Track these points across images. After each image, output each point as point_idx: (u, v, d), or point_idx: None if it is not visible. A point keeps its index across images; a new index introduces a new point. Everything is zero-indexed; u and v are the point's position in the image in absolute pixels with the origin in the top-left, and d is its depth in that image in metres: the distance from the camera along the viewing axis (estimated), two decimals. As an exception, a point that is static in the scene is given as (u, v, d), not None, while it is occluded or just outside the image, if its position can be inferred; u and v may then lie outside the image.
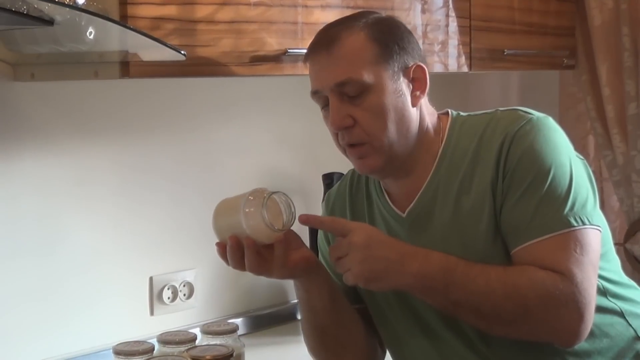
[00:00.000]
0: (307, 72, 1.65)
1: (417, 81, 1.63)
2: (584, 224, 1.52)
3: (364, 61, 1.58)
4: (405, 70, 1.61)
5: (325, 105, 1.62)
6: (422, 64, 1.64)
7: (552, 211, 1.52)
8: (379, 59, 1.59)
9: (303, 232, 2.28)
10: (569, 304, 1.48)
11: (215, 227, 1.60)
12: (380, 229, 1.61)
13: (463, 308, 1.52)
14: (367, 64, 1.58)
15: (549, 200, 1.52)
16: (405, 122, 1.61)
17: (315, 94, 1.62)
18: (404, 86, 1.61)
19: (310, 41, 1.66)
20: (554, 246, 1.51)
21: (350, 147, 1.61)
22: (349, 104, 1.58)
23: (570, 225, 1.51)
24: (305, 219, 1.57)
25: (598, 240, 1.55)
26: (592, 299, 1.51)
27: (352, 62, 1.58)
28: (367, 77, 1.57)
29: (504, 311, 1.50)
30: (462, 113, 1.70)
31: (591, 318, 1.51)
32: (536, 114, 1.60)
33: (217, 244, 1.59)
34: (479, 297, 1.50)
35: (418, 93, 1.63)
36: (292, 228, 1.57)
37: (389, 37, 1.61)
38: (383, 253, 1.51)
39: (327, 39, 1.61)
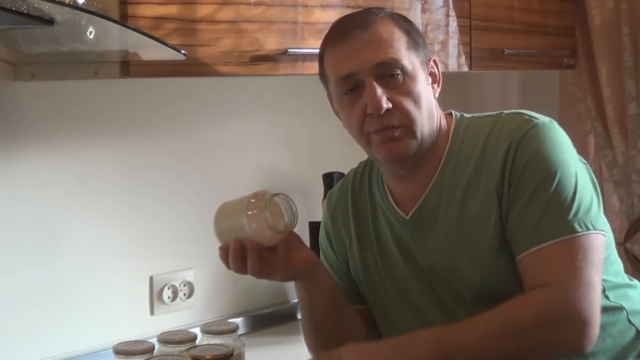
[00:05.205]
0: (306, 71, 1.65)
1: (433, 75, 1.64)
2: (588, 229, 1.51)
3: (401, 46, 1.58)
4: (427, 63, 1.62)
5: (351, 90, 1.58)
6: (436, 59, 1.65)
7: (557, 217, 1.51)
8: (410, 46, 1.59)
9: (303, 233, 2.30)
10: (572, 316, 1.46)
11: (216, 230, 1.59)
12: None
13: None
14: (403, 49, 1.58)
15: (553, 205, 1.51)
16: (432, 113, 1.61)
17: (346, 78, 1.57)
18: (428, 77, 1.62)
19: (310, 41, 1.65)
20: (556, 253, 1.49)
21: (382, 131, 1.57)
22: (384, 87, 1.56)
23: (574, 231, 1.50)
24: None
25: (602, 244, 1.54)
26: (596, 303, 1.49)
27: (392, 45, 1.56)
28: (405, 61, 1.57)
29: (508, 350, 1.47)
30: (465, 115, 1.69)
31: (598, 320, 1.49)
32: (541, 118, 1.59)
33: (220, 248, 1.57)
34: (479, 348, 1.47)
35: (436, 86, 1.64)
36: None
37: (411, 28, 1.62)
38: (377, 356, 1.51)
39: (360, 22, 1.58)
